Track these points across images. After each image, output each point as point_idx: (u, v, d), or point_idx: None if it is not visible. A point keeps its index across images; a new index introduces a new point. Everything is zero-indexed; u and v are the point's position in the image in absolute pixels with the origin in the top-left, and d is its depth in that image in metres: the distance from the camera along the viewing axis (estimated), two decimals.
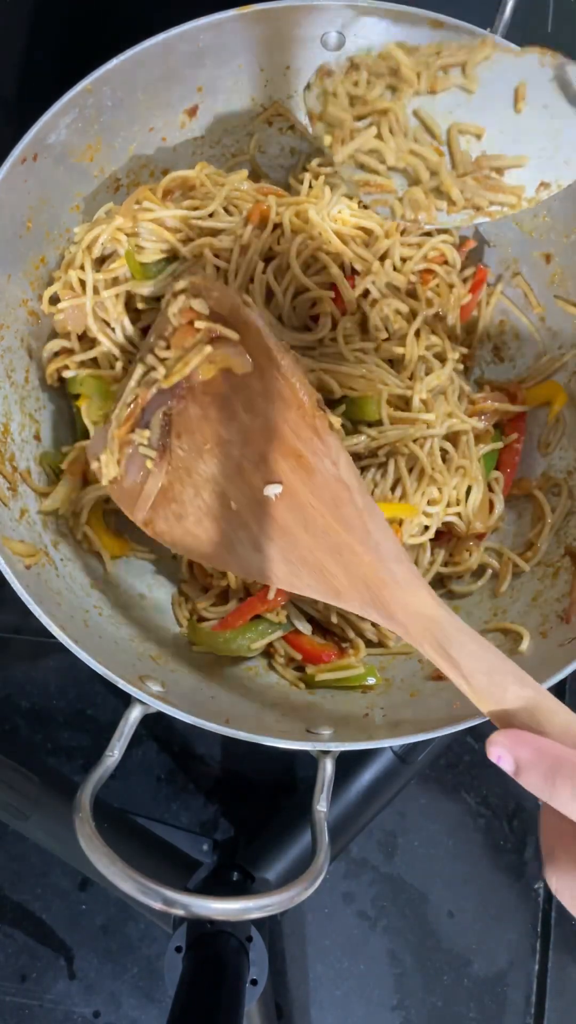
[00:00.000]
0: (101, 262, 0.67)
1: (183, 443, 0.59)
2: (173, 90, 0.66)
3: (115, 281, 0.66)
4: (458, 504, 0.67)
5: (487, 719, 0.51)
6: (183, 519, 0.59)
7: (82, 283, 0.65)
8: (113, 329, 0.66)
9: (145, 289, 0.65)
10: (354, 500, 0.54)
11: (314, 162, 0.72)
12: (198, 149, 0.71)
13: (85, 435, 0.68)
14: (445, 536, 0.69)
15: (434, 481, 0.66)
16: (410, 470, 0.65)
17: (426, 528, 0.66)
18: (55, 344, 0.68)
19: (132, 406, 0.61)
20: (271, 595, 0.63)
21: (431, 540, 0.67)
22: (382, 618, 0.52)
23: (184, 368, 0.58)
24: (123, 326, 0.66)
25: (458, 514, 0.67)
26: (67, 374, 0.67)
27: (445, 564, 0.69)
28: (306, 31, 0.64)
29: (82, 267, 0.65)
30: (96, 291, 0.65)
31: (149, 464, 0.60)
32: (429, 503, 0.66)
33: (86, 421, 0.67)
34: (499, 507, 0.69)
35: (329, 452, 0.55)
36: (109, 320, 0.66)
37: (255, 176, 0.73)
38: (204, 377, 0.58)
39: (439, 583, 0.70)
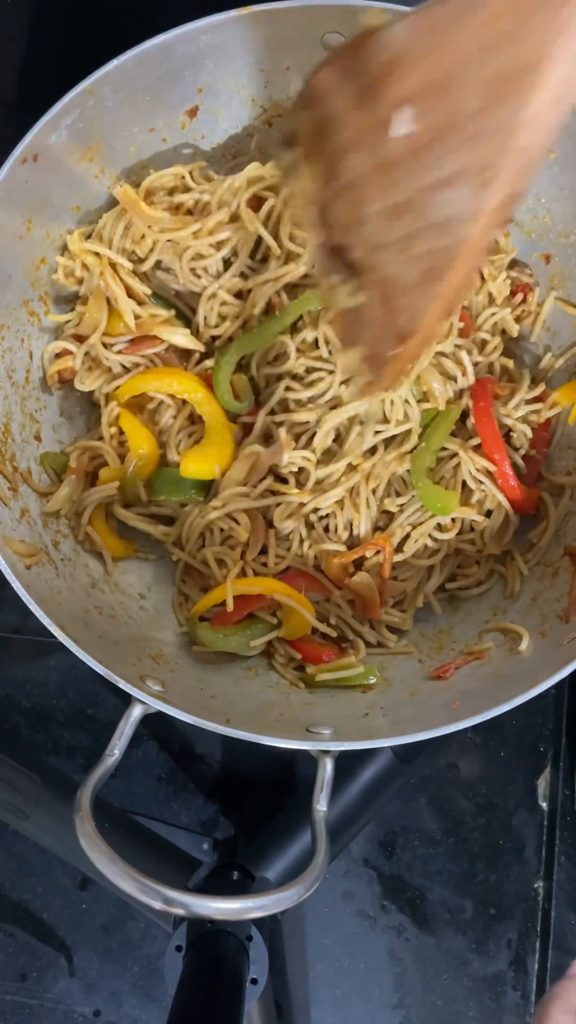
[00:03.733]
0: None
1: (353, 235, 0.45)
2: (173, 91, 0.66)
3: None
4: (471, 532, 0.68)
5: (487, 718, 0.51)
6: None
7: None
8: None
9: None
10: None
11: None
12: (198, 150, 0.71)
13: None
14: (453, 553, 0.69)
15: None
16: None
17: (435, 552, 0.67)
18: (56, 346, 0.68)
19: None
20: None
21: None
22: None
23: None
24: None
25: (471, 540, 0.68)
26: (83, 387, 0.68)
27: (454, 578, 0.69)
28: (306, 32, 0.64)
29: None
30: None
31: (359, 300, 0.46)
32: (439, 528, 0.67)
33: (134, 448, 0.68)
34: (514, 523, 0.69)
35: None
36: None
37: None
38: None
39: (440, 587, 0.69)
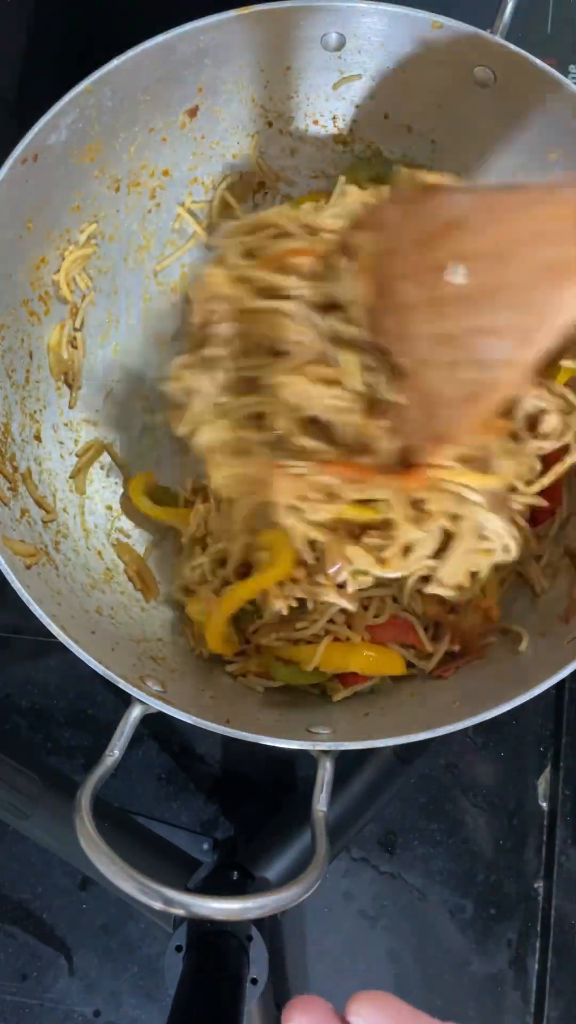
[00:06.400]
0: None
1: None
2: (173, 91, 0.66)
3: None
4: None
5: (487, 718, 0.51)
6: None
7: None
8: None
9: None
10: None
11: None
12: (198, 149, 0.71)
13: None
14: None
15: None
16: None
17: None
18: None
19: None
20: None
21: None
22: None
23: None
24: None
25: None
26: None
27: None
28: (306, 32, 0.64)
29: None
30: None
31: (400, 399, 0.49)
32: None
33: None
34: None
35: None
36: None
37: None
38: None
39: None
